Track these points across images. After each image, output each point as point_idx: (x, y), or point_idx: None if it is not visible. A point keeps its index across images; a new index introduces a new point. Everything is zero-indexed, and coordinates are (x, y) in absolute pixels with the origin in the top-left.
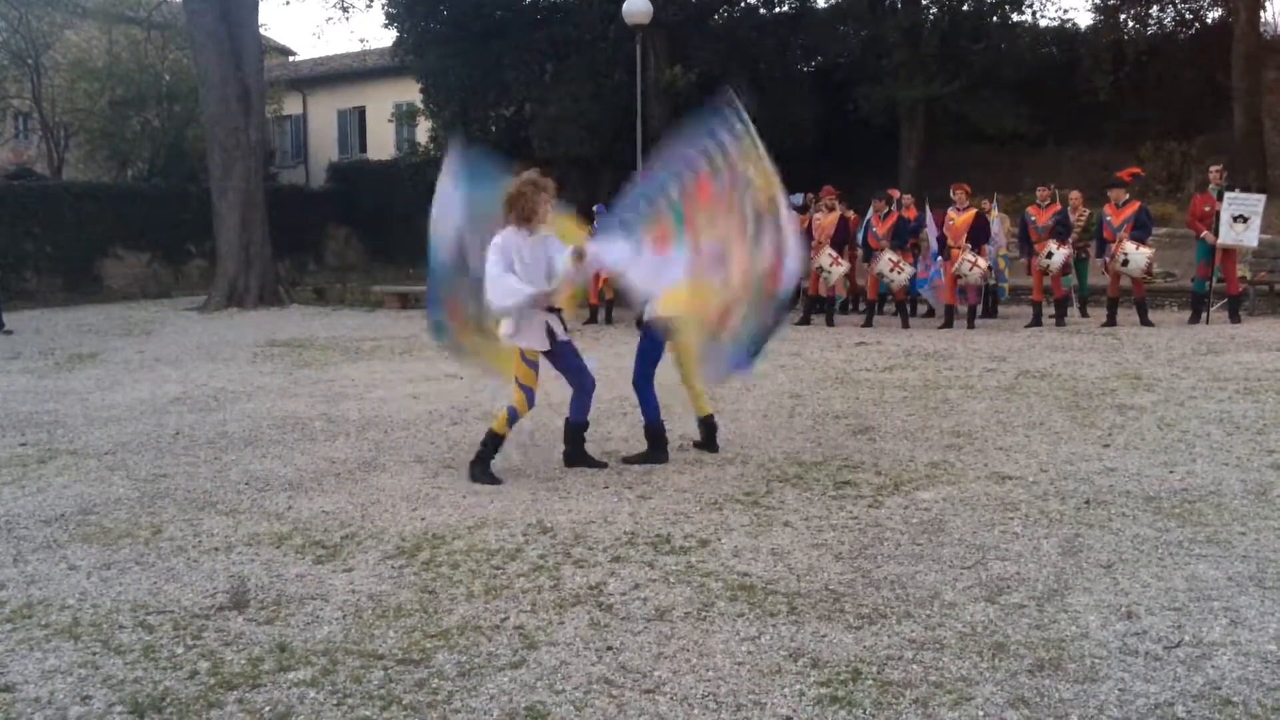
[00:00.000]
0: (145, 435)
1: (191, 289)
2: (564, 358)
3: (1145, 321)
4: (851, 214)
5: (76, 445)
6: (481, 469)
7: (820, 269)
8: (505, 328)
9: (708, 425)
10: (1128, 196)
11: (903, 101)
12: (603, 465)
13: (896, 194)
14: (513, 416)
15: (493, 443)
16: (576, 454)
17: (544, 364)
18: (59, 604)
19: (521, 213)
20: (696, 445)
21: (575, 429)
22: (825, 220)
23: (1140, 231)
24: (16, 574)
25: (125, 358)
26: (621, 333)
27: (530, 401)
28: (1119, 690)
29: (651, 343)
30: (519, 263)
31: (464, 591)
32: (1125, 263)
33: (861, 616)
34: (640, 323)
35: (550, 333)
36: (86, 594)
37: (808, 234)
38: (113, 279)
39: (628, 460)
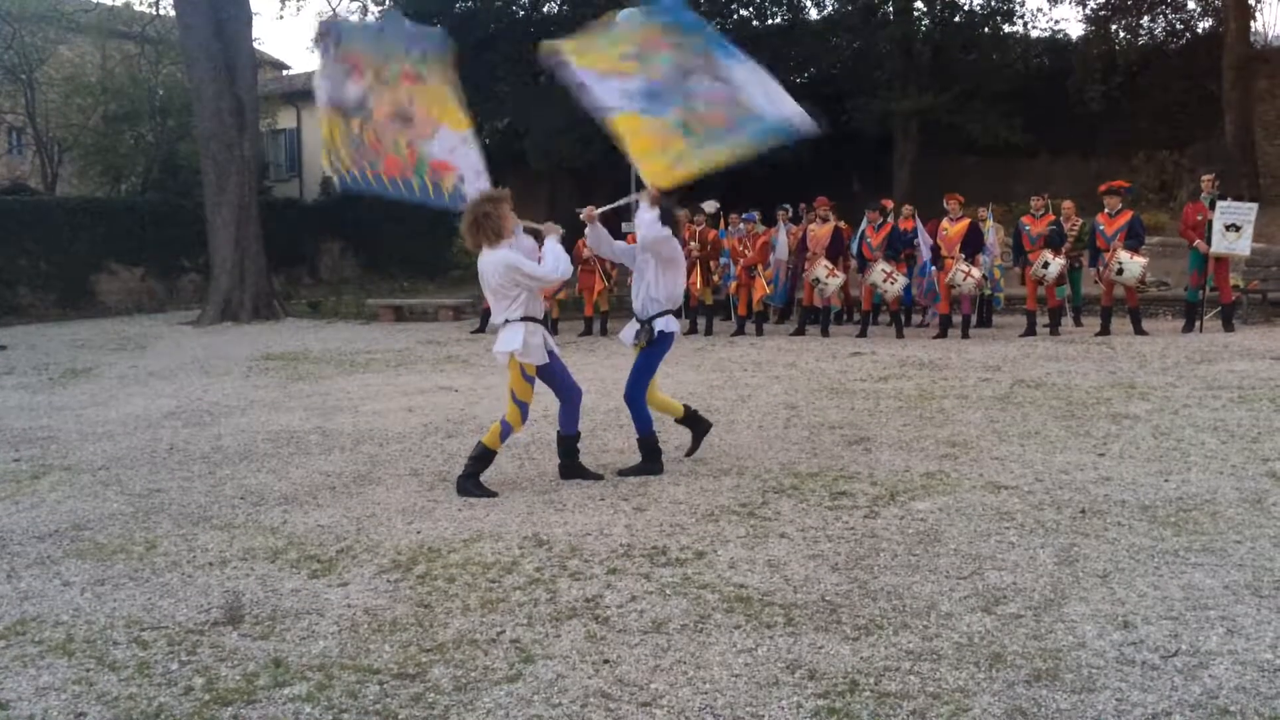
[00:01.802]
0: (139, 450)
1: (186, 303)
2: (553, 369)
3: (1139, 330)
4: (843, 225)
5: (70, 460)
6: (473, 483)
7: (816, 280)
8: (512, 344)
9: (689, 419)
10: (1121, 206)
11: (896, 113)
12: (599, 477)
13: (890, 204)
14: (506, 431)
15: (485, 457)
16: (572, 466)
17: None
18: (52, 620)
19: (494, 232)
20: (690, 454)
21: (568, 441)
22: (820, 232)
23: (1133, 241)
24: (10, 590)
25: (119, 372)
26: (617, 345)
27: (524, 417)
28: (1116, 700)
29: (653, 358)
30: None
31: (460, 605)
32: (1120, 271)
33: (858, 627)
34: (646, 336)
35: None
36: (80, 610)
37: (802, 245)
38: (107, 294)
39: (623, 473)
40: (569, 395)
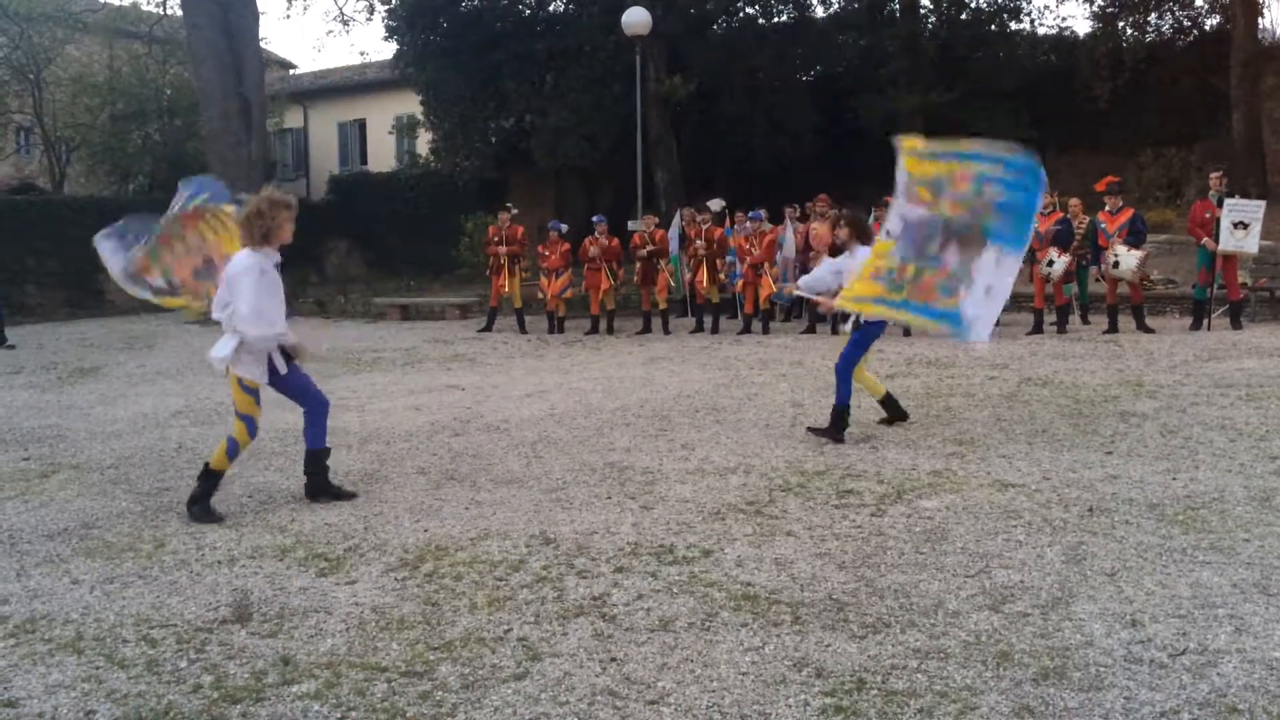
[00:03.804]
0: (147, 449)
1: None
2: (289, 384)
3: (1143, 327)
4: None
5: (79, 459)
6: (201, 508)
7: None
8: (223, 351)
9: (887, 402)
10: (1122, 203)
11: (901, 110)
12: (352, 495)
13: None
14: (232, 450)
15: (211, 479)
16: (320, 485)
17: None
18: (62, 618)
19: (261, 233)
20: (883, 422)
21: (314, 457)
22: (821, 229)
23: (1134, 238)
24: (19, 589)
25: (127, 372)
26: (624, 343)
27: (252, 432)
28: (1124, 699)
29: (865, 338)
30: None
31: (467, 603)
32: (1116, 265)
33: (865, 626)
34: (854, 321)
35: (271, 366)
36: (89, 608)
37: (805, 244)
38: (115, 293)
39: (811, 429)
40: (312, 407)
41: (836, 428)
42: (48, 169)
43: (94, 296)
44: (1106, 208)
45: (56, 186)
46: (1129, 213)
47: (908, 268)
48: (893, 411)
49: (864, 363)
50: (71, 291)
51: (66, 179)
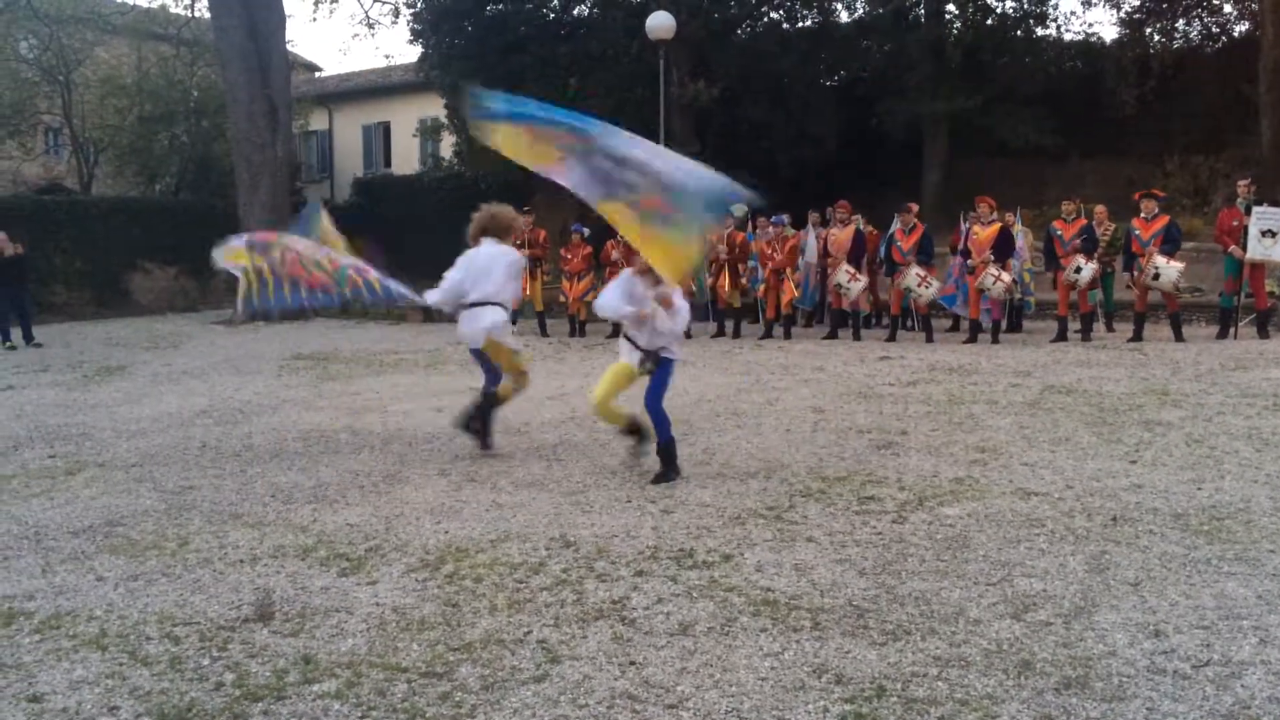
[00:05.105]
0: (172, 448)
1: (218, 303)
2: (482, 359)
3: (1179, 337)
4: (872, 229)
5: (104, 457)
6: (480, 425)
7: (838, 285)
8: (484, 323)
9: (629, 430)
10: (1157, 210)
11: (926, 116)
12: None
13: (915, 208)
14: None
15: (490, 404)
16: (472, 424)
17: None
18: (86, 615)
19: (499, 231)
20: (632, 451)
21: (487, 398)
22: (841, 235)
23: (1170, 245)
24: (45, 585)
25: (152, 371)
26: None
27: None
28: (1147, 709)
29: (664, 374)
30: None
31: (487, 605)
32: (1156, 276)
33: (886, 633)
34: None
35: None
36: (114, 605)
37: (824, 249)
38: (140, 293)
39: (655, 483)
40: (493, 373)
41: (669, 466)
42: (76, 169)
43: (120, 296)
44: (1141, 214)
45: (84, 187)
46: (1164, 220)
47: (642, 201)
48: (638, 433)
49: (613, 393)
50: (98, 291)
51: (94, 180)
